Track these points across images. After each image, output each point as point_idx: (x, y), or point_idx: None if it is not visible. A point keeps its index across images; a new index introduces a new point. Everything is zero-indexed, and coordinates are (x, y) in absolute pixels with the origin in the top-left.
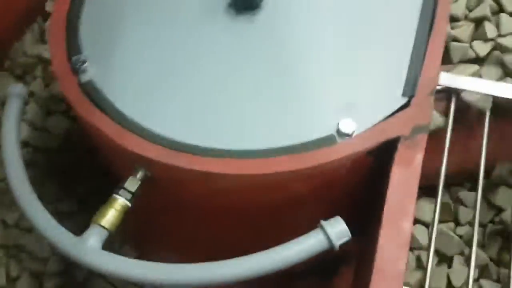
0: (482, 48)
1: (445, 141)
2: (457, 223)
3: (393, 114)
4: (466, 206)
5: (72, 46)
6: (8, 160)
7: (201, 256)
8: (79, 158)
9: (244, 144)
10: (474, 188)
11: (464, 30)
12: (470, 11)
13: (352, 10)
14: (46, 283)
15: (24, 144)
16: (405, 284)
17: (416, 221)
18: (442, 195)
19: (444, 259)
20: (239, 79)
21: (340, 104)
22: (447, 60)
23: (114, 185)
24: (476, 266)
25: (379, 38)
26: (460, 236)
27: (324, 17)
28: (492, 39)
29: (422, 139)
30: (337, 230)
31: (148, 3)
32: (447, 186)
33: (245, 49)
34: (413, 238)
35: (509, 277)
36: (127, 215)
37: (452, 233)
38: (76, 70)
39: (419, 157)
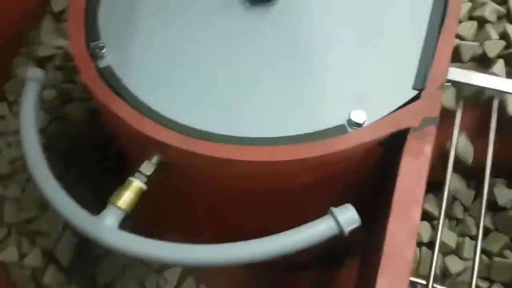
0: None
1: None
2: None
3: (403, 106)
4: None
5: (91, 32)
6: (26, 142)
7: (213, 241)
8: (96, 144)
9: (257, 132)
10: None
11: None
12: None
13: (366, 3)
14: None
15: (41, 130)
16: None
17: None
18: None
19: None
20: (254, 69)
21: (352, 95)
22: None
23: (130, 170)
24: None
25: (391, 32)
26: None
27: (338, 10)
28: None
29: (431, 131)
30: (347, 216)
31: None
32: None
33: (260, 40)
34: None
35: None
36: (141, 199)
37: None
38: (94, 55)
39: (428, 148)
